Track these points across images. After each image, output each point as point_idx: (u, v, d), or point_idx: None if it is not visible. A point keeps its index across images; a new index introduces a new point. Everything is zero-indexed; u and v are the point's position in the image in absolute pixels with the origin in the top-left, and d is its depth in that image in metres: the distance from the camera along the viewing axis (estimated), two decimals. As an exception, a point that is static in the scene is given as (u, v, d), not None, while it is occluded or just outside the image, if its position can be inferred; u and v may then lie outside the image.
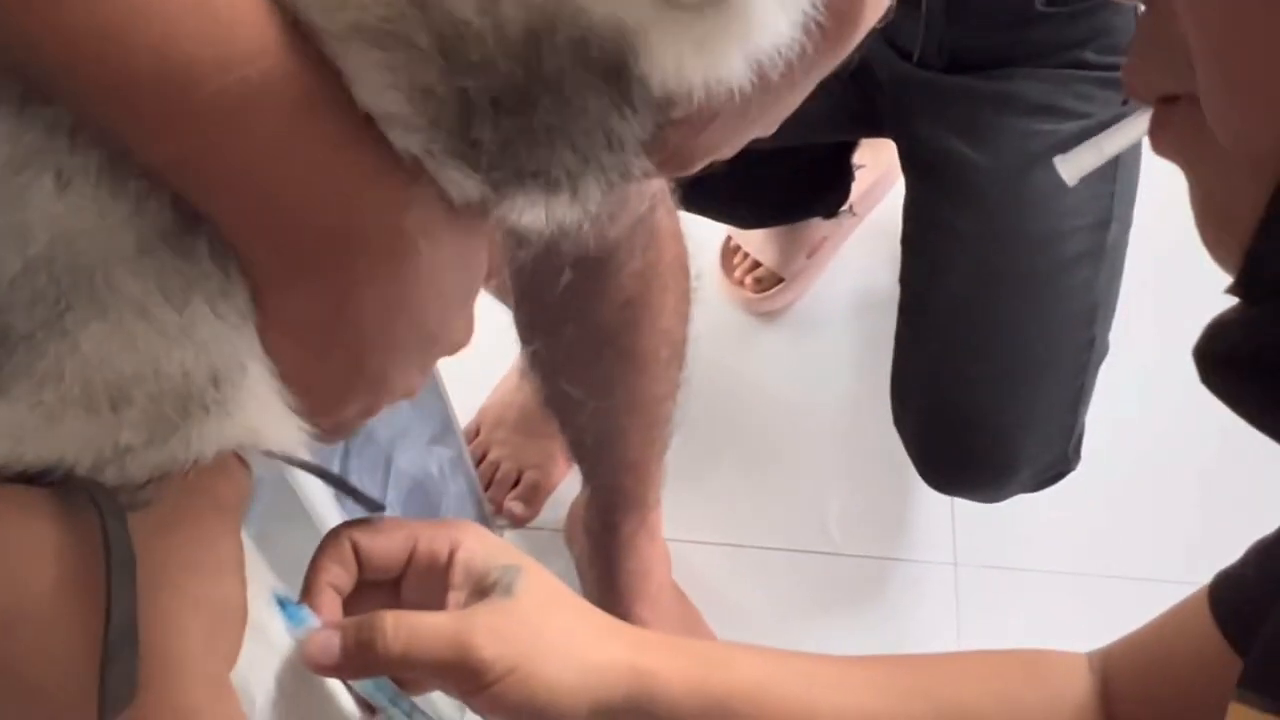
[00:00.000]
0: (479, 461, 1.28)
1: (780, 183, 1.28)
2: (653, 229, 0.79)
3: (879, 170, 1.46)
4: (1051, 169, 0.98)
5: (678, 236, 0.85)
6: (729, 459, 1.33)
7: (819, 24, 0.38)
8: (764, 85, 0.38)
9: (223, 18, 0.32)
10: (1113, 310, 1.05)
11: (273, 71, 0.33)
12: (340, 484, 0.43)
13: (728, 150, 0.49)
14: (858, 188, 1.39)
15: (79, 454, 0.35)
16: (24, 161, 0.33)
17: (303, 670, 0.44)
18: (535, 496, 1.30)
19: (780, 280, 1.44)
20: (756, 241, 1.44)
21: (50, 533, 0.34)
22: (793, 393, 1.38)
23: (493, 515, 1.27)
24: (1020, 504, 1.24)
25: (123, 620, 0.31)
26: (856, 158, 1.36)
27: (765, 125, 0.49)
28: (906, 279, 1.11)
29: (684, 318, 0.91)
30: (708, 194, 1.15)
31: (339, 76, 0.35)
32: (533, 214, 0.40)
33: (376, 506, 0.47)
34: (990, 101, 1.03)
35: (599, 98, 0.36)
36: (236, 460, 0.39)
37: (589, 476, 1.10)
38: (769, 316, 1.45)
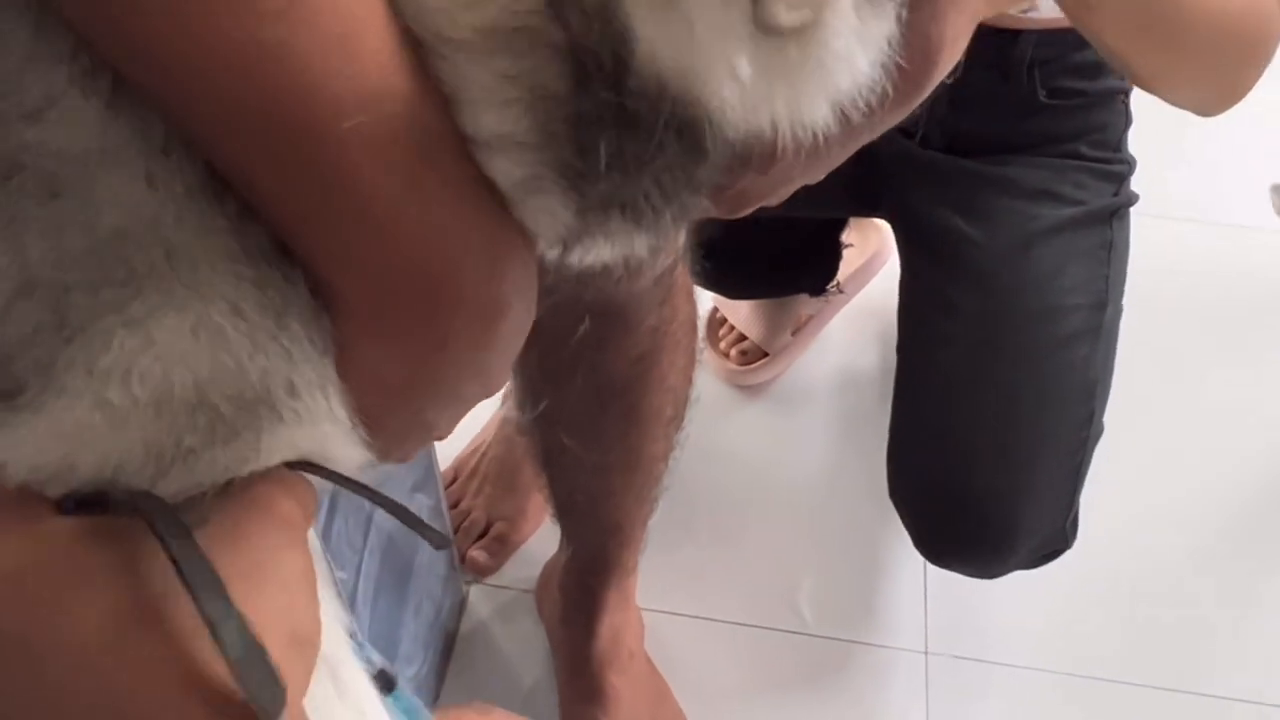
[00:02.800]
0: (451, 507, 1.25)
1: (769, 255, 1.29)
2: (670, 285, 0.79)
3: (868, 251, 1.48)
4: (1049, 250, 1.03)
5: (690, 295, 0.85)
6: (703, 530, 1.32)
7: (899, 65, 0.39)
8: (844, 128, 0.38)
9: (356, 55, 0.32)
10: (1108, 390, 1.06)
11: (398, 112, 0.33)
12: (405, 515, 0.42)
13: (785, 193, 0.49)
14: (846, 267, 1.41)
15: (140, 461, 0.33)
16: (114, 158, 0.32)
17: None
18: (501, 549, 1.27)
19: (764, 355, 1.44)
20: (743, 314, 1.45)
21: (110, 567, 0.31)
22: (770, 467, 1.38)
23: (457, 564, 1.24)
24: (994, 595, 1.24)
25: (236, 638, 0.29)
26: (845, 236, 1.37)
27: (814, 175, 0.50)
28: (904, 349, 1.12)
29: (689, 378, 0.90)
30: (697, 261, 1.16)
31: (454, 121, 0.34)
32: (609, 251, 0.40)
33: (443, 541, 0.45)
34: (990, 183, 1.06)
35: (679, 137, 0.35)
36: (300, 476, 0.37)
37: (571, 536, 1.08)
38: (751, 389, 1.45)
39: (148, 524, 0.31)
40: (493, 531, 1.26)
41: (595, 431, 0.88)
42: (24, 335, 0.33)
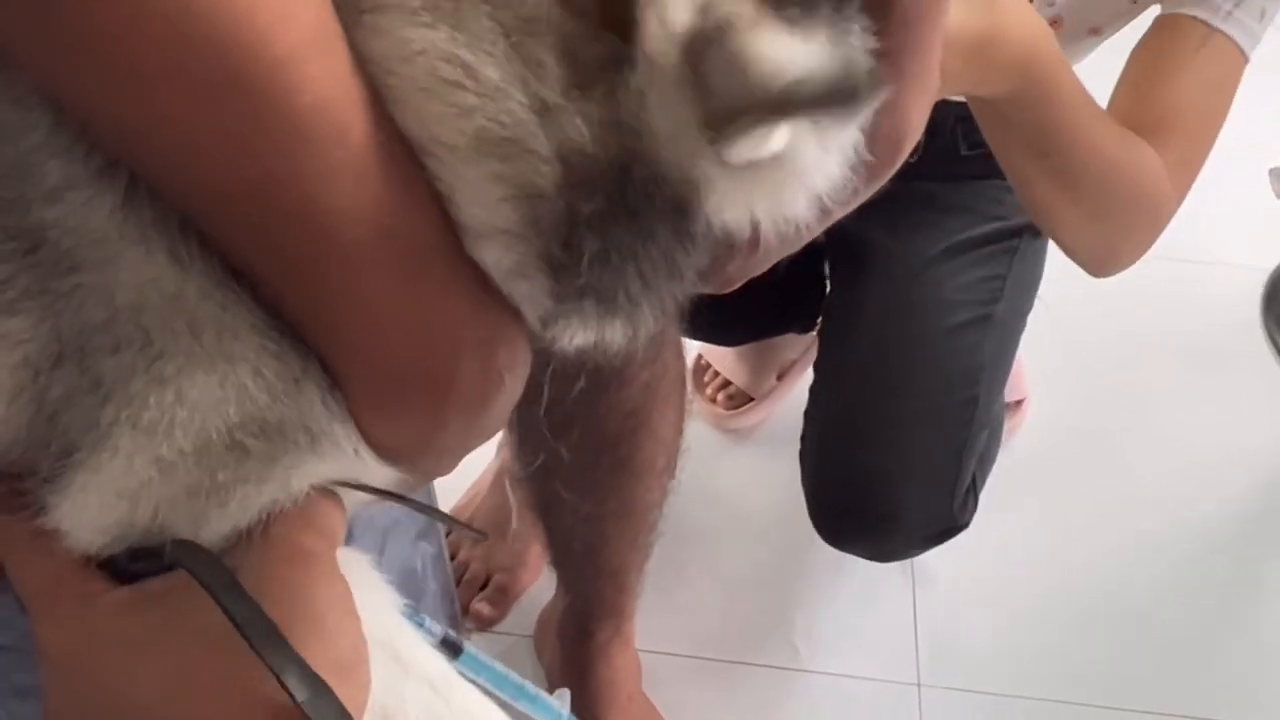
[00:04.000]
0: (449, 558, 1.28)
1: (754, 299, 1.32)
2: (660, 343, 0.82)
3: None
4: (951, 254, 1.09)
5: (680, 351, 0.89)
6: (696, 571, 1.35)
7: (866, 161, 0.41)
8: (823, 217, 0.40)
9: (358, 176, 0.34)
10: (1001, 380, 1.13)
11: (399, 223, 0.35)
12: (440, 515, 0.44)
13: (763, 269, 0.52)
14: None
15: (183, 505, 0.36)
16: (133, 238, 0.34)
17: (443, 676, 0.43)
18: (503, 599, 1.29)
19: (750, 399, 1.48)
20: (728, 361, 1.48)
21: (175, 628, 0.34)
22: (760, 508, 1.41)
23: (459, 616, 1.26)
24: (983, 625, 1.28)
25: (301, 681, 0.31)
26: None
27: (793, 250, 0.53)
28: (817, 363, 1.20)
29: (680, 430, 0.94)
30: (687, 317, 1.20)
31: (446, 214, 0.36)
32: (584, 336, 0.41)
33: (483, 535, 0.46)
34: (913, 199, 1.13)
35: (667, 230, 0.37)
36: (326, 503, 0.39)
37: (569, 583, 1.11)
38: (739, 433, 1.48)
39: (196, 579, 0.33)
40: (494, 583, 1.28)
41: (591, 483, 0.92)
42: (67, 397, 0.35)
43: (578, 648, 1.14)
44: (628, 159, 0.35)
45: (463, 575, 1.29)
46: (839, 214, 0.48)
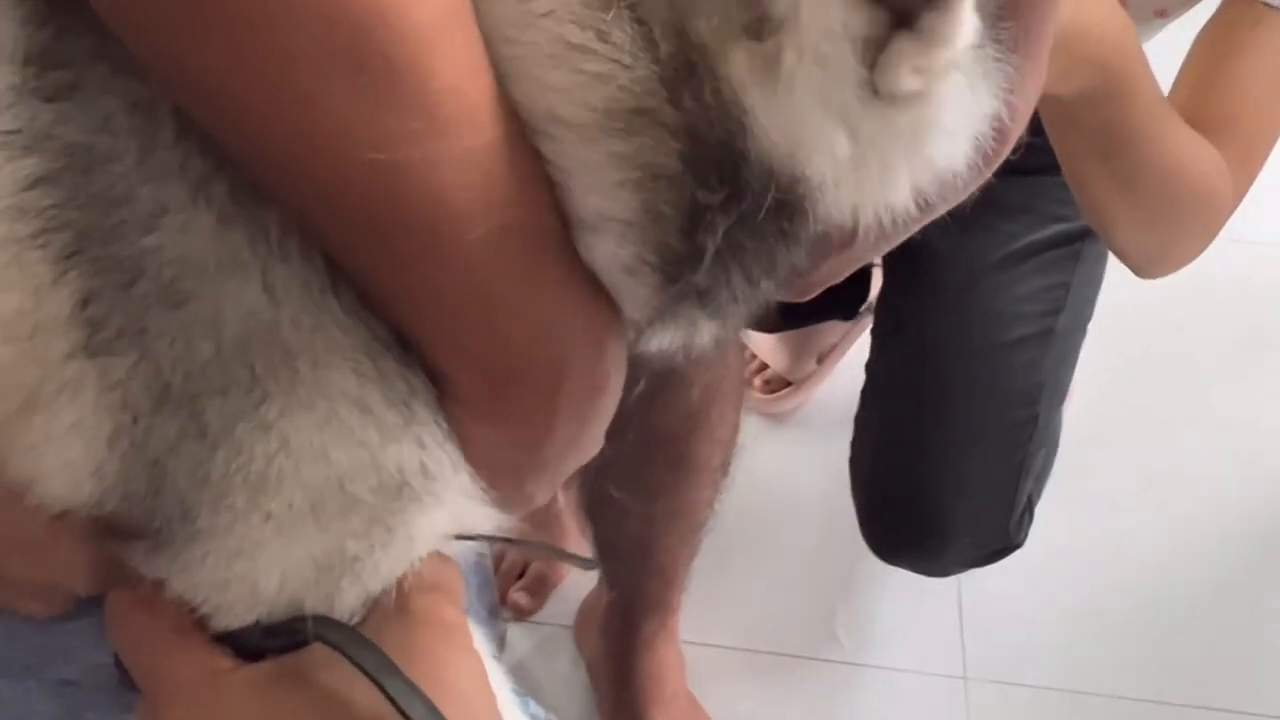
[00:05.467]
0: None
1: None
2: (725, 343, 0.79)
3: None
4: (1010, 262, 1.06)
5: (740, 349, 0.86)
6: (738, 561, 1.33)
7: (986, 151, 0.39)
8: (922, 210, 0.38)
9: (483, 167, 0.32)
10: (1061, 394, 1.09)
11: (521, 216, 0.34)
12: (555, 551, 0.43)
13: (846, 274, 0.50)
14: (875, 285, 1.42)
15: (312, 577, 0.34)
16: (231, 265, 0.33)
17: None
18: (541, 589, 1.28)
19: (788, 384, 1.45)
20: (766, 345, 1.46)
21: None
22: (801, 494, 1.39)
23: (498, 606, 1.25)
24: (1031, 619, 1.26)
25: None
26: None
27: (873, 257, 0.51)
28: (869, 364, 1.16)
29: (736, 428, 0.91)
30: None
31: (560, 208, 0.35)
32: (674, 338, 0.40)
33: (591, 564, 0.46)
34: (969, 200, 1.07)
35: (773, 222, 0.35)
36: (449, 569, 0.38)
37: (615, 579, 1.09)
38: (777, 416, 1.46)
39: (348, 657, 0.32)
40: (531, 572, 1.27)
41: (643, 482, 0.89)
42: (170, 444, 0.34)
43: (622, 642, 1.12)
44: (741, 138, 0.33)
45: (500, 564, 1.28)
46: (939, 210, 0.46)
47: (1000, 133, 0.45)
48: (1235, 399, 1.48)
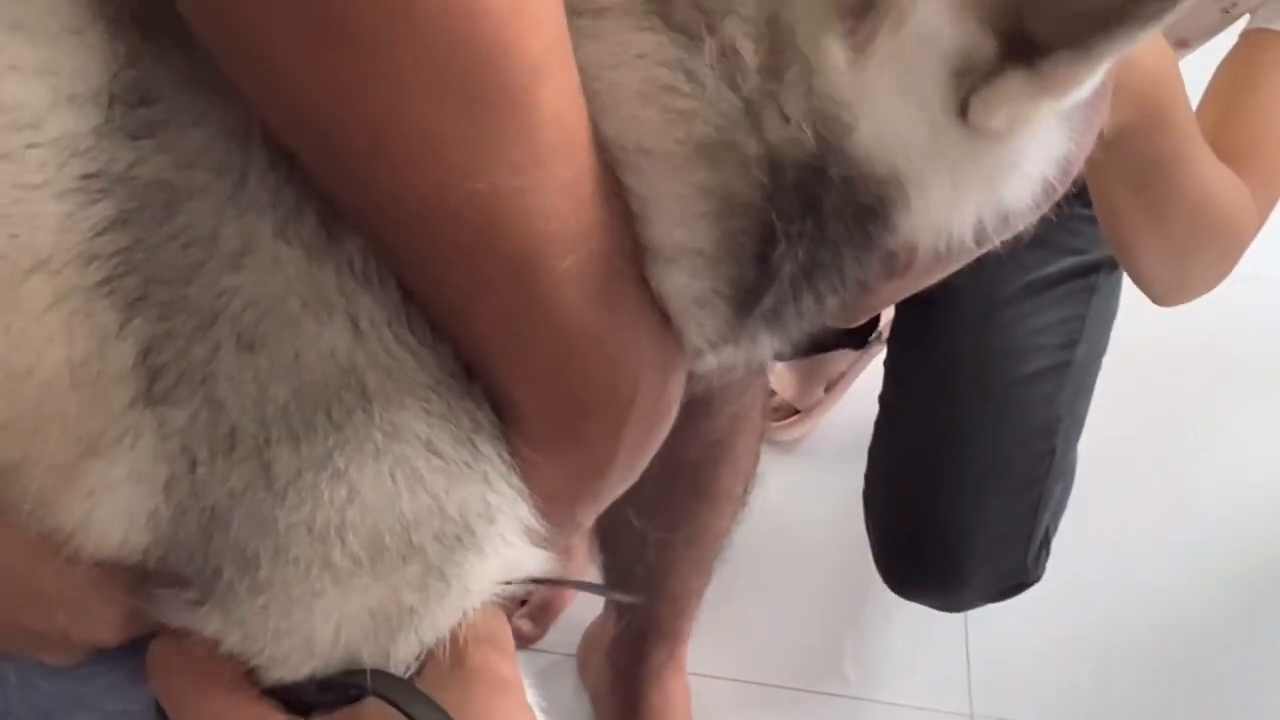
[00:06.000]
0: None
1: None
2: (755, 373, 0.79)
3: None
4: (1026, 295, 1.05)
5: (767, 381, 0.85)
6: (743, 591, 1.31)
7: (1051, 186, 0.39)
8: (980, 241, 0.39)
9: (577, 195, 0.32)
10: (1078, 427, 1.09)
11: (603, 245, 0.33)
12: (591, 587, 0.42)
13: (894, 302, 0.50)
14: (885, 313, 1.41)
15: (368, 629, 0.33)
16: (316, 302, 0.32)
17: None
18: (544, 617, 1.26)
19: (796, 411, 1.44)
20: (776, 373, 1.45)
21: None
22: (808, 525, 1.38)
23: (499, 633, 1.23)
24: (1037, 655, 1.25)
25: None
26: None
27: (932, 279, 0.50)
28: (883, 396, 1.15)
29: (757, 456, 0.91)
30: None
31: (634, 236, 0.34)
32: (735, 356, 0.40)
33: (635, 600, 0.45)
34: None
35: (851, 242, 0.35)
36: (500, 621, 0.37)
37: (626, 606, 1.07)
38: (784, 445, 1.45)
39: (401, 710, 0.31)
40: (535, 599, 1.25)
41: (664, 511, 0.88)
42: (232, 491, 0.32)
43: (629, 672, 1.11)
44: (824, 157, 0.33)
45: (502, 590, 1.26)
46: (992, 244, 0.46)
47: (1066, 173, 0.45)
48: (1248, 433, 1.48)
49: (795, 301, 0.36)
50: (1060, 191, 0.49)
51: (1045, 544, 1.08)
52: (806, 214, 0.34)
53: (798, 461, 1.44)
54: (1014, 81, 0.32)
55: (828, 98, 0.33)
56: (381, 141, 0.29)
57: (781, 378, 1.44)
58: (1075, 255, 1.06)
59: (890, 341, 1.17)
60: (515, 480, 0.36)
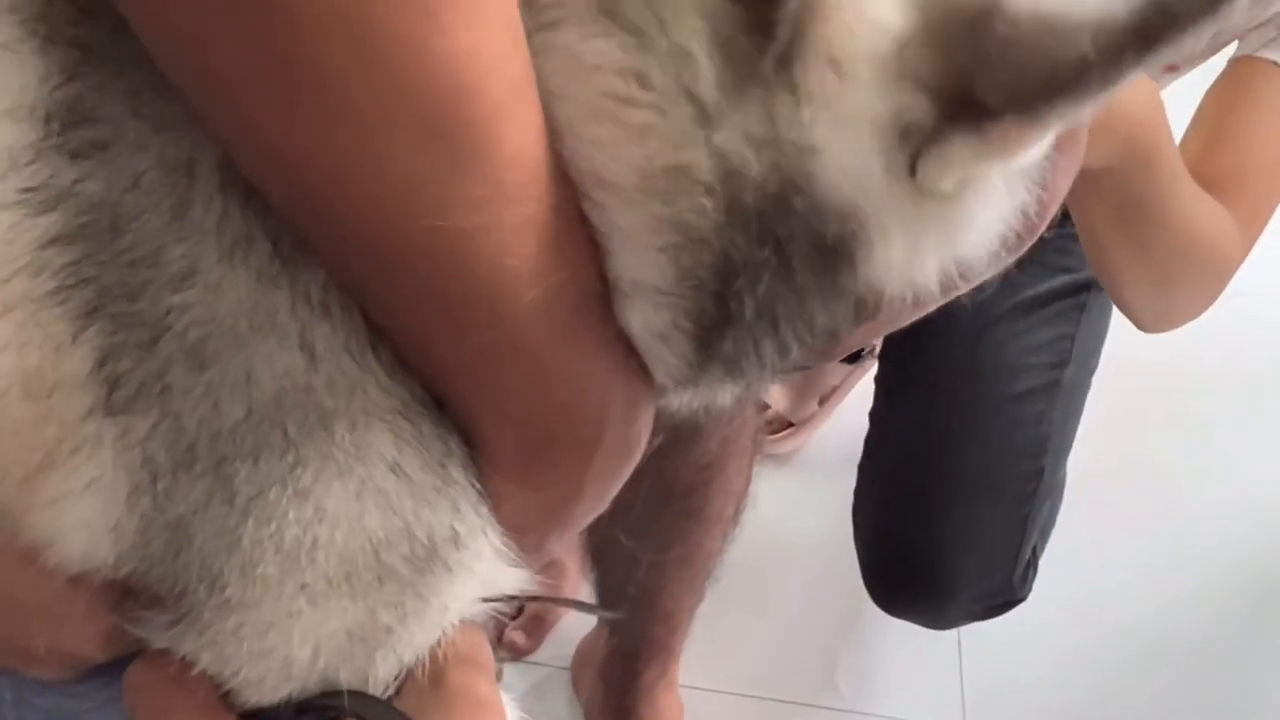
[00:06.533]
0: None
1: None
2: (745, 399, 0.79)
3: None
4: (1017, 314, 1.05)
5: (759, 404, 0.85)
6: (737, 604, 1.31)
7: (1015, 232, 0.38)
8: (945, 289, 0.38)
9: (539, 231, 0.32)
10: (1067, 446, 1.09)
11: (569, 281, 0.33)
12: (580, 605, 0.43)
13: (863, 345, 0.50)
14: (878, 332, 1.42)
15: (346, 650, 0.34)
16: (268, 326, 0.32)
17: None
18: (538, 629, 1.27)
19: (790, 425, 1.45)
20: (769, 386, 1.45)
21: None
22: (801, 538, 1.38)
23: (494, 645, 1.23)
24: (1029, 667, 1.25)
25: None
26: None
27: (899, 325, 0.50)
28: (873, 412, 1.16)
29: (749, 478, 0.91)
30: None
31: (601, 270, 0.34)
32: (696, 399, 0.40)
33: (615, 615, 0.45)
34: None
35: (816, 283, 0.35)
36: (479, 640, 0.38)
37: (618, 624, 1.08)
38: (778, 458, 1.45)
39: None
40: (528, 612, 1.25)
41: (655, 532, 0.89)
42: (195, 506, 0.33)
43: (622, 688, 1.11)
44: (788, 188, 0.32)
45: (496, 603, 1.26)
46: (961, 289, 0.46)
47: (1039, 215, 0.45)
48: (1239, 447, 1.48)
49: (755, 349, 0.36)
50: (1029, 238, 0.49)
51: (1032, 563, 1.09)
52: (766, 246, 0.33)
53: (791, 474, 1.45)
54: (962, 145, 0.32)
55: (793, 125, 0.32)
56: (345, 181, 0.30)
57: (775, 391, 1.45)
58: (1066, 274, 1.06)
59: (881, 360, 1.17)
60: (484, 510, 0.37)
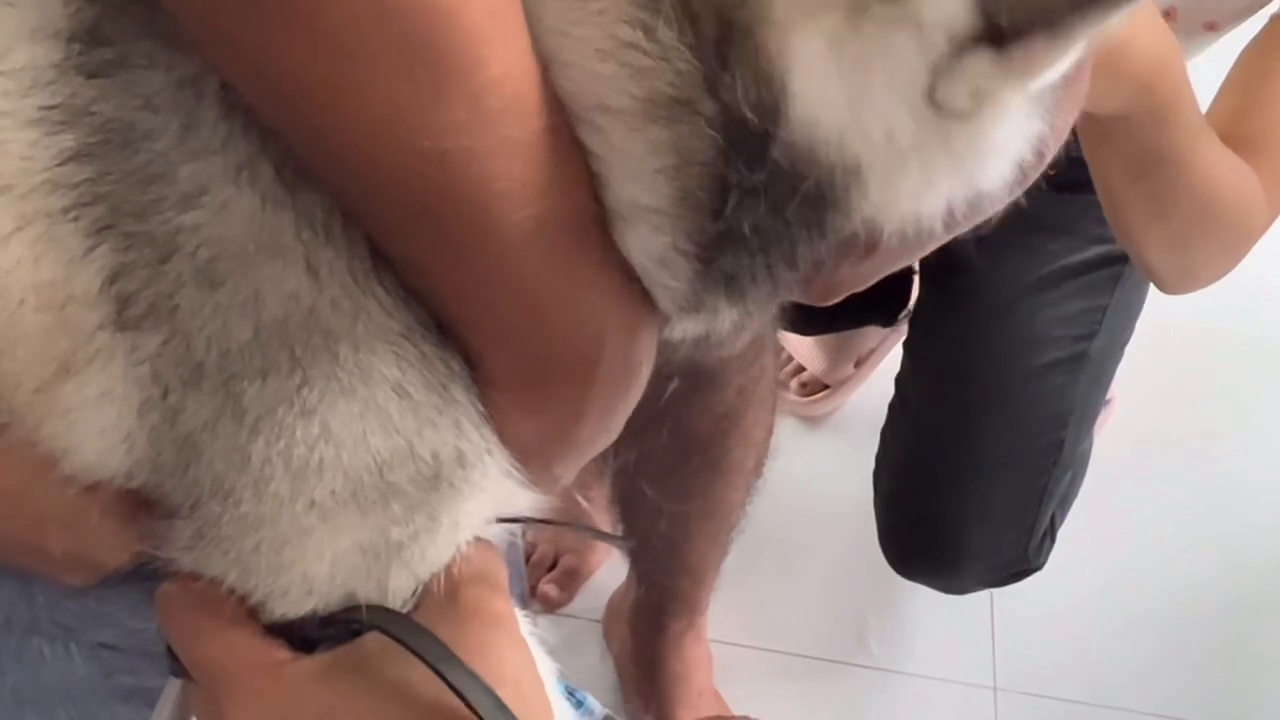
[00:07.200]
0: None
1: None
2: (761, 344, 0.80)
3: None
4: (1047, 285, 1.03)
5: (776, 352, 0.86)
6: (769, 563, 1.32)
7: (1024, 172, 0.38)
8: (949, 226, 0.38)
9: (528, 153, 0.33)
10: (1092, 418, 1.08)
11: (561, 205, 0.34)
12: (589, 531, 0.44)
13: (868, 283, 0.50)
14: (915, 292, 1.40)
15: (360, 565, 0.35)
16: (273, 247, 0.33)
17: None
18: (570, 582, 1.28)
19: (825, 387, 1.45)
20: (805, 348, 1.45)
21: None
22: (834, 499, 1.38)
23: (527, 597, 1.26)
24: (1063, 630, 1.24)
25: None
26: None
27: (901, 265, 0.50)
28: (898, 378, 1.15)
29: (770, 429, 0.91)
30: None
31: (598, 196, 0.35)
32: (695, 326, 0.40)
33: (627, 543, 0.46)
34: (1009, 216, 1.05)
35: (802, 213, 0.35)
36: (493, 558, 0.39)
37: (644, 576, 1.09)
38: (813, 420, 1.45)
39: (403, 644, 0.32)
40: (561, 565, 1.27)
41: (676, 482, 0.90)
42: (204, 422, 0.34)
43: (649, 640, 1.12)
44: (776, 125, 0.33)
45: (531, 555, 1.28)
46: (964, 228, 0.45)
47: (1039, 154, 0.45)
48: (1274, 411, 1.45)
49: (751, 269, 0.36)
50: (1036, 172, 0.49)
51: (1050, 533, 1.08)
52: (763, 174, 0.34)
53: (826, 436, 1.45)
54: (982, 61, 0.32)
55: (776, 69, 0.32)
56: (329, 105, 0.31)
57: (811, 353, 1.45)
58: (1102, 244, 1.04)
59: (911, 324, 1.17)
60: (488, 431, 0.37)
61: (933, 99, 0.33)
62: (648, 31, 0.32)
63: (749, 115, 0.33)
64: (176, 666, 0.37)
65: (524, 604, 1.25)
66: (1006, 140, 0.36)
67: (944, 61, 0.33)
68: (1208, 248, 0.82)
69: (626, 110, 0.33)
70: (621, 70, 0.32)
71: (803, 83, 0.32)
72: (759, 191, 0.34)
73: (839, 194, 0.35)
